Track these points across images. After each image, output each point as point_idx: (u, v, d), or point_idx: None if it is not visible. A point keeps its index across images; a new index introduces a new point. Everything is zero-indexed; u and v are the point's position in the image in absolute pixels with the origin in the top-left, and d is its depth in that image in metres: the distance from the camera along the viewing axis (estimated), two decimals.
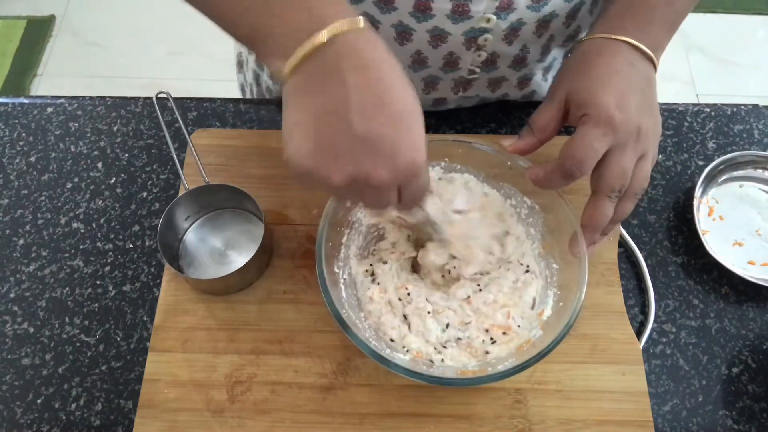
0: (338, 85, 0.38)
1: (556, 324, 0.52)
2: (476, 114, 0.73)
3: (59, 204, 0.67)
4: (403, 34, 0.59)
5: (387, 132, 0.39)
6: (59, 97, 0.75)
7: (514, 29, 0.59)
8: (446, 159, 0.61)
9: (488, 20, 0.57)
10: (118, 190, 0.68)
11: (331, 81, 0.39)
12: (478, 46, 0.60)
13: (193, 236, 0.64)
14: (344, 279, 0.58)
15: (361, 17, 0.40)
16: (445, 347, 0.54)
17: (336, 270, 0.57)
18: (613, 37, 0.52)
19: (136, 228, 0.66)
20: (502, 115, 0.73)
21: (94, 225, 0.66)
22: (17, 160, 0.70)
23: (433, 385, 0.57)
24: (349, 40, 0.39)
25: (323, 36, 0.38)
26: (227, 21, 0.44)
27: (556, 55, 0.70)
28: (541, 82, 0.72)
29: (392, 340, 0.55)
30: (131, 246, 0.65)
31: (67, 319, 0.61)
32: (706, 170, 0.66)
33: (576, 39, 0.67)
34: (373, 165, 0.39)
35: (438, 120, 0.73)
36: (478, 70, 0.64)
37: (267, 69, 0.43)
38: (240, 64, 0.86)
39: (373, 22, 0.59)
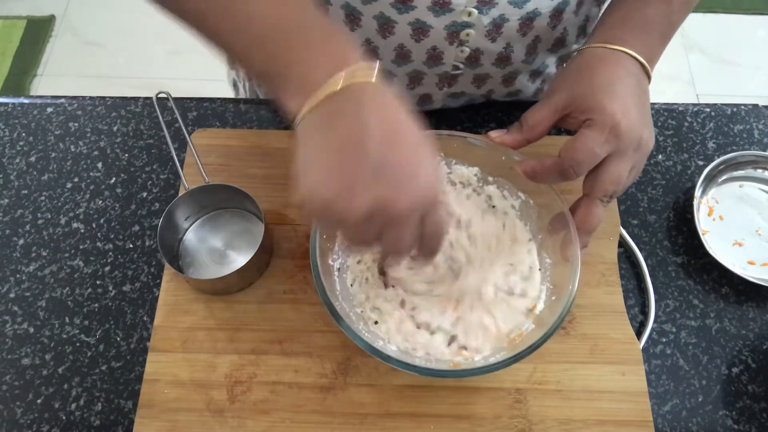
0: (355, 120, 0.40)
1: (548, 318, 0.52)
2: (476, 114, 0.73)
3: (59, 204, 0.67)
4: (384, 27, 0.59)
5: (405, 159, 0.40)
6: (59, 97, 0.75)
7: (496, 25, 0.59)
8: (441, 153, 0.61)
9: (470, 14, 0.57)
10: (118, 190, 0.68)
11: (347, 117, 0.40)
12: (461, 41, 0.60)
13: (193, 236, 0.64)
14: (338, 271, 0.58)
15: (376, 64, 0.42)
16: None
17: (330, 262, 0.57)
18: (614, 47, 0.53)
19: (136, 228, 0.66)
20: (502, 115, 0.73)
21: (94, 225, 0.66)
22: (17, 160, 0.70)
23: (432, 385, 0.57)
24: (366, 83, 0.41)
25: (342, 80, 0.40)
26: (240, 56, 0.45)
27: (546, 60, 0.70)
28: (527, 83, 0.72)
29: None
30: (131, 246, 0.65)
31: (67, 319, 0.61)
32: (706, 170, 0.66)
33: (564, 43, 0.68)
34: (394, 192, 0.39)
35: (438, 120, 0.73)
36: (461, 66, 0.64)
37: (282, 105, 0.45)
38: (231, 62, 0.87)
39: (355, 14, 0.59)
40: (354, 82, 0.40)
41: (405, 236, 0.42)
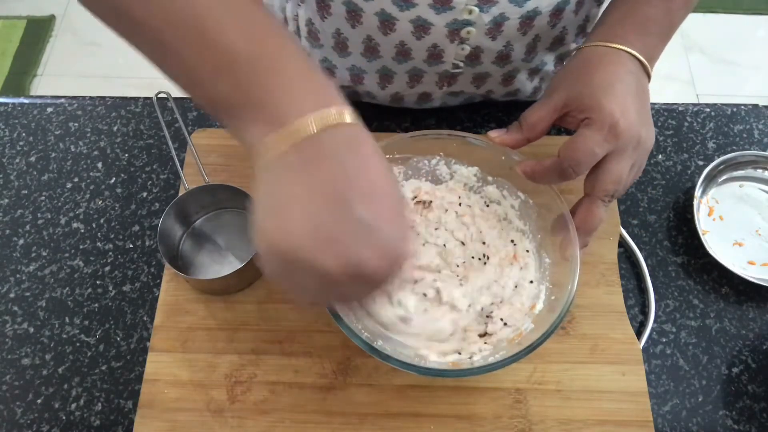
0: (339, 167, 0.37)
1: (548, 317, 0.52)
2: (476, 114, 0.73)
3: (59, 204, 0.67)
4: (385, 23, 0.59)
5: (386, 221, 0.37)
6: (59, 97, 0.75)
7: (497, 23, 0.59)
8: (441, 153, 0.61)
9: (470, 12, 0.57)
10: (118, 190, 0.68)
11: (330, 162, 0.37)
12: (462, 39, 0.60)
13: (193, 236, 0.64)
14: None
15: (349, 109, 0.39)
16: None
17: None
18: (615, 45, 0.53)
19: (136, 228, 0.66)
20: (503, 115, 0.73)
21: (94, 225, 0.66)
22: (17, 160, 0.70)
23: (432, 385, 0.57)
24: (350, 128, 0.38)
25: (320, 120, 0.37)
26: (199, 81, 0.40)
27: (545, 58, 0.70)
28: (526, 81, 0.72)
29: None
30: (131, 246, 0.65)
31: (67, 319, 0.61)
32: (706, 170, 0.66)
33: (563, 42, 0.68)
34: (370, 253, 0.36)
35: (438, 119, 0.73)
36: (462, 64, 0.65)
37: (239, 136, 0.40)
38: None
39: (356, 11, 0.59)
40: (337, 124, 0.37)
41: (365, 294, 0.41)
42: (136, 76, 1.93)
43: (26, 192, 0.68)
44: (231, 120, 0.40)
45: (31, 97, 0.76)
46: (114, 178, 0.69)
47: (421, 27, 0.59)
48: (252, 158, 0.39)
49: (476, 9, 0.57)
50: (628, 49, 0.53)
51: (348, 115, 0.38)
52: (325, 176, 0.36)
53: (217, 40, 0.38)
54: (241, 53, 0.38)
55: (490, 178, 0.61)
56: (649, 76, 0.55)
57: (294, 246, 0.36)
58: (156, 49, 0.41)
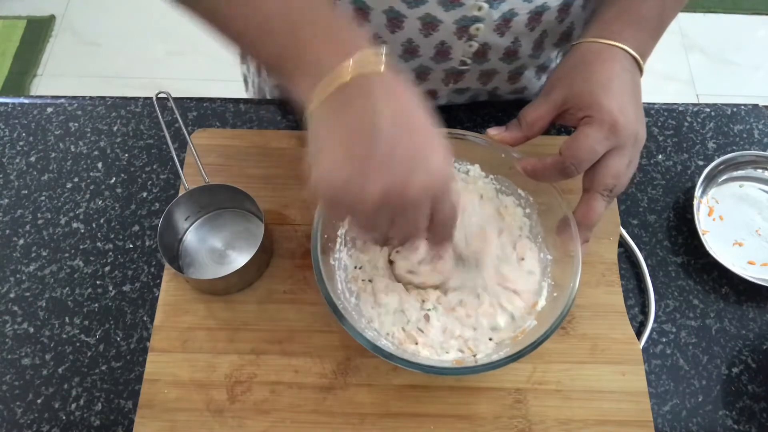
0: (366, 108, 0.40)
1: (550, 315, 0.53)
2: (476, 114, 0.73)
3: (59, 204, 0.67)
4: (394, 21, 0.59)
5: (416, 145, 0.41)
6: (59, 97, 0.75)
7: (506, 20, 0.59)
8: None
9: (480, 8, 0.57)
10: (118, 190, 0.68)
11: (358, 105, 0.41)
12: (470, 35, 0.60)
13: (193, 236, 0.64)
14: (340, 273, 0.58)
15: (383, 49, 0.42)
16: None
17: (332, 262, 0.57)
18: (610, 42, 0.54)
19: (136, 228, 0.66)
20: (502, 115, 0.73)
21: (94, 225, 0.66)
22: (17, 160, 0.70)
23: (432, 385, 0.57)
24: (375, 72, 0.41)
25: (351, 68, 0.40)
26: (251, 47, 0.46)
27: (551, 54, 0.70)
28: (533, 79, 0.72)
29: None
30: (131, 246, 0.65)
31: (67, 319, 0.61)
32: (706, 170, 0.66)
33: (570, 38, 0.68)
34: (405, 177, 0.40)
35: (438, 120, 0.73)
36: (469, 61, 0.65)
37: (293, 93, 0.46)
38: (243, 56, 0.87)
39: (364, 9, 0.59)
40: (363, 71, 0.41)
41: (416, 222, 0.43)
42: (136, 76, 1.94)
43: (26, 192, 0.68)
44: (283, 78, 0.45)
45: (31, 97, 0.76)
46: (114, 178, 0.69)
47: (430, 24, 0.59)
48: (304, 111, 0.44)
49: (486, 5, 0.57)
50: (623, 46, 0.54)
51: (377, 60, 0.41)
52: (354, 117, 0.40)
53: (258, 7, 0.44)
54: (276, 15, 0.44)
55: (490, 177, 0.61)
56: (641, 71, 0.55)
57: (336, 180, 0.40)
58: (215, 19, 0.47)
